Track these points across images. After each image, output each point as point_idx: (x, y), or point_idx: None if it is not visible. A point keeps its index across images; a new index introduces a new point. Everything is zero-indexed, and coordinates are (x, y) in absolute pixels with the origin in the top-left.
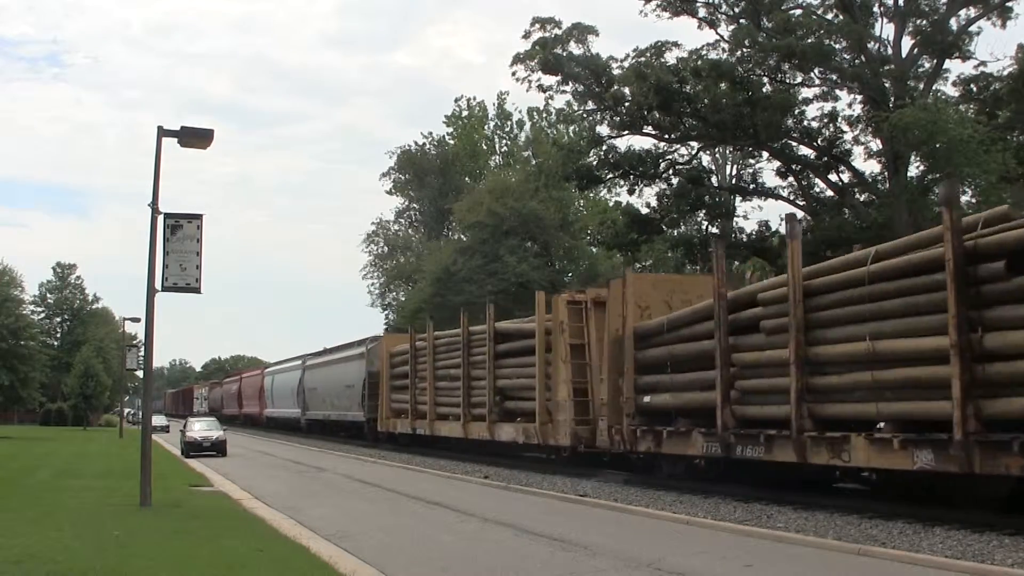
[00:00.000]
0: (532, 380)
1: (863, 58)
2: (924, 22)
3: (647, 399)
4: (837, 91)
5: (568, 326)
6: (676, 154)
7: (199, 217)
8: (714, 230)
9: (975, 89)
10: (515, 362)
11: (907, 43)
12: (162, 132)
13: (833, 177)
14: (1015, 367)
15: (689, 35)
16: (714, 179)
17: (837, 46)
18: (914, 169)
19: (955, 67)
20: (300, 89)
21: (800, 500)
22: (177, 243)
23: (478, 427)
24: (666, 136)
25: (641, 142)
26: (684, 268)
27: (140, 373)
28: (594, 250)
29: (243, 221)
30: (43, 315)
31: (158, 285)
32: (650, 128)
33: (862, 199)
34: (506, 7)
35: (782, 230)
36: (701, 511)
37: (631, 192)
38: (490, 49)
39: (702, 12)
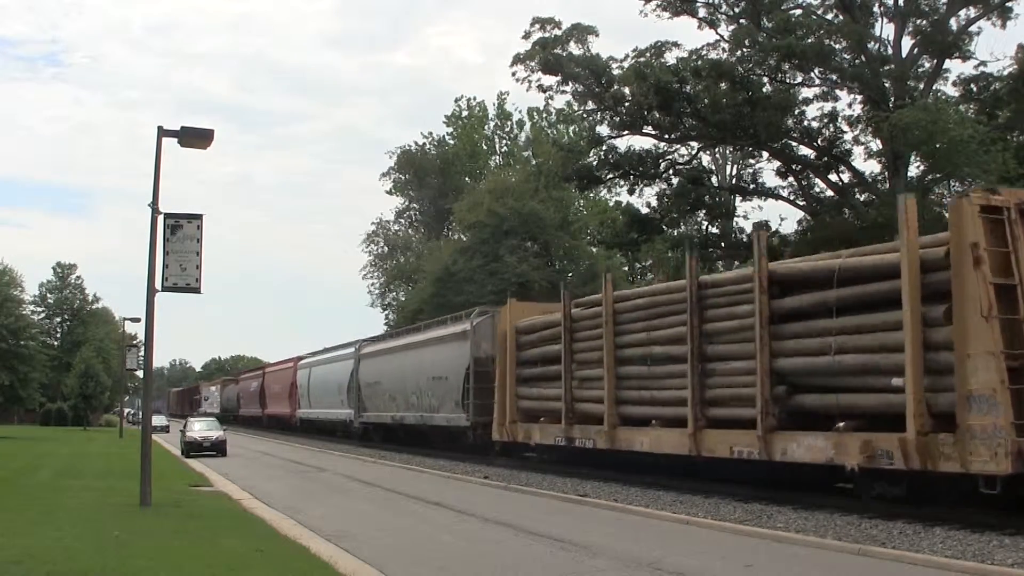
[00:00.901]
0: (876, 356)
1: (863, 58)
2: (924, 22)
3: None
4: (837, 91)
5: (987, 252)
6: (676, 154)
7: (199, 217)
8: (714, 230)
9: (975, 89)
10: (826, 326)
11: (907, 43)
12: (162, 132)
13: (833, 177)
14: None
15: (689, 35)
16: (714, 179)
17: (837, 46)
18: (914, 169)
19: (955, 67)
20: (300, 89)
21: (800, 500)
22: (177, 243)
23: (731, 439)
24: (666, 136)
25: (641, 142)
26: (684, 268)
27: (140, 373)
28: (594, 250)
29: (243, 221)
30: (43, 315)
31: (158, 285)
32: (650, 128)
33: (862, 199)
34: (506, 7)
35: (783, 230)
36: (701, 511)
37: (631, 192)
38: (490, 49)
39: (702, 12)
